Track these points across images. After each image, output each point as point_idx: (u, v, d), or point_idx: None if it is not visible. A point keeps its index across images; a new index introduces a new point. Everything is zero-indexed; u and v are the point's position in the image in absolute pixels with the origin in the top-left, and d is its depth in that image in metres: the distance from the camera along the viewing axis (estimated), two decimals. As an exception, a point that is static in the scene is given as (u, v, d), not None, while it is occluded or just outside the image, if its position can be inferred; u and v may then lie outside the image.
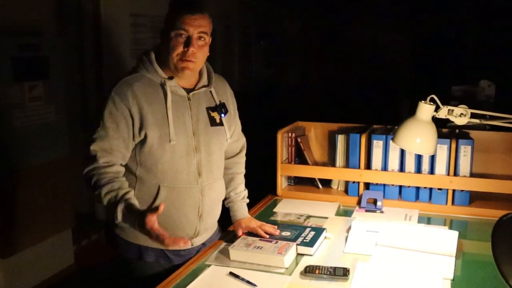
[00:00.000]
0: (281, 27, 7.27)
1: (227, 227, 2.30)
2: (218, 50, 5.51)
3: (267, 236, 2.10)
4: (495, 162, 2.64)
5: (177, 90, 1.96)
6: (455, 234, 2.05)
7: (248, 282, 1.78)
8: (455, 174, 2.49)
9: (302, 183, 2.89)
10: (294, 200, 2.71)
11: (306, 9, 7.36)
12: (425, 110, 2.05)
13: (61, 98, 3.46)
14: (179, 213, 2.00)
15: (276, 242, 2.02)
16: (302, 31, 7.62)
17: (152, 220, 1.74)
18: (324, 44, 7.58)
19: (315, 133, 2.96)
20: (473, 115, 2.06)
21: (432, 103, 2.05)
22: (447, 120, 2.12)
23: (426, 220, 2.43)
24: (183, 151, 1.96)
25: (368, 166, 2.64)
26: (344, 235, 2.21)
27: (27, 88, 3.20)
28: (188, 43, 1.88)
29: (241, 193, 2.26)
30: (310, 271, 1.82)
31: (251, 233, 2.14)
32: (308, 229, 2.16)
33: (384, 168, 2.60)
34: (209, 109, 2.05)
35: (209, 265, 1.93)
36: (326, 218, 2.44)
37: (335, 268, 1.82)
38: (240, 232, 2.16)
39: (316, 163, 2.91)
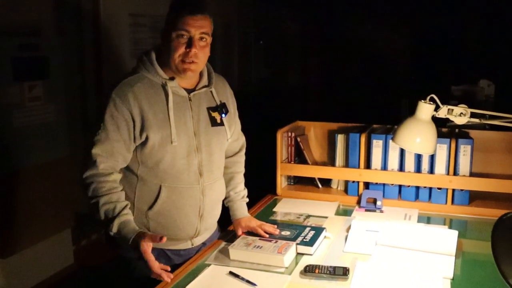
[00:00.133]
0: (280, 27, 7.27)
1: (226, 226, 2.30)
2: (217, 49, 5.52)
3: (267, 235, 2.10)
4: (495, 161, 2.64)
5: (178, 91, 1.96)
6: (454, 233, 2.05)
7: (248, 281, 1.78)
8: (455, 173, 2.49)
9: (301, 182, 2.89)
10: (294, 199, 2.72)
11: (306, 9, 7.36)
12: (425, 109, 2.06)
13: (60, 98, 3.46)
14: (180, 213, 2.00)
15: (276, 242, 2.02)
16: (301, 31, 7.62)
17: (147, 245, 1.77)
18: (324, 44, 7.57)
19: (314, 132, 2.96)
20: (472, 115, 2.06)
21: (431, 103, 2.05)
22: (447, 120, 2.12)
23: (426, 219, 2.43)
24: (184, 152, 1.96)
25: (368, 165, 2.64)
26: (344, 234, 2.21)
27: (26, 88, 3.19)
28: (190, 44, 1.88)
29: (240, 192, 2.27)
30: (310, 270, 1.83)
31: (251, 233, 2.14)
32: (307, 229, 2.16)
33: (384, 167, 2.60)
34: (210, 109, 2.05)
35: (209, 265, 1.93)
36: (326, 217, 2.44)
37: (335, 268, 1.82)
38: (239, 232, 2.16)
39: (315, 163, 2.91)
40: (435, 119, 2.09)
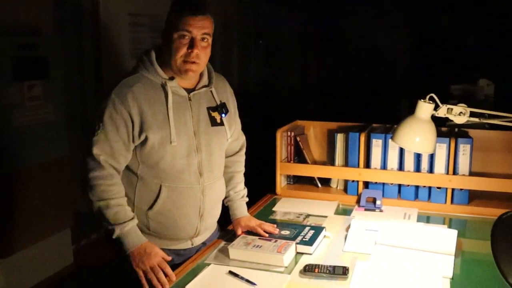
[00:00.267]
0: (280, 27, 7.27)
1: (226, 226, 2.30)
2: (217, 49, 5.51)
3: (267, 235, 2.10)
4: (494, 161, 2.64)
5: (178, 91, 1.96)
6: (454, 232, 2.05)
7: (248, 281, 1.78)
8: (454, 173, 2.50)
9: (301, 182, 2.89)
10: (293, 199, 2.72)
11: (305, 8, 7.36)
12: (424, 109, 2.06)
13: (60, 97, 3.45)
14: (180, 213, 2.00)
15: (275, 241, 2.02)
16: (301, 30, 7.62)
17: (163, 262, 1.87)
18: (323, 43, 7.58)
19: (314, 132, 2.96)
20: (472, 114, 2.06)
21: (431, 102, 2.06)
22: (446, 119, 2.12)
23: (425, 219, 2.43)
24: (184, 152, 1.96)
25: (367, 165, 2.64)
26: (344, 234, 2.21)
27: (26, 88, 3.19)
28: (192, 44, 1.87)
29: (240, 192, 2.27)
30: (309, 270, 1.83)
31: (251, 232, 2.14)
32: (307, 228, 2.16)
33: (383, 167, 2.60)
34: (210, 109, 2.05)
35: (208, 264, 1.93)
36: (326, 217, 2.44)
37: (334, 267, 1.82)
38: (239, 231, 2.16)
39: (315, 162, 2.91)
40: (434, 119, 2.09)
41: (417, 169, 2.56)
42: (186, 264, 1.96)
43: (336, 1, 7.30)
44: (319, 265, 1.85)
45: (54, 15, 3.50)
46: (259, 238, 2.07)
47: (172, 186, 1.96)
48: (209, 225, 2.15)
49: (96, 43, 3.86)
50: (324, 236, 2.16)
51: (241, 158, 2.32)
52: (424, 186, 2.57)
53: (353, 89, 6.89)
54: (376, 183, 2.63)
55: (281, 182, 2.79)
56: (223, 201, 2.22)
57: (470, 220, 2.43)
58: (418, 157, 2.55)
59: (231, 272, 1.85)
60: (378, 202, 2.55)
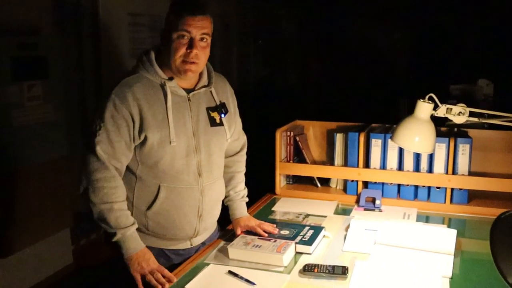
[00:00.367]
0: (279, 26, 7.27)
1: (226, 226, 2.30)
2: (216, 49, 5.51)
3: (266, 234, 2.10)
4: (494, 160, 2.64)
5: (177, 91, 1.96)
6: (453, 232, 2.05)
7: (247, 280, 1.78)
8: (454, 172, 2.50)
9: (300, 182, 2.89)
10: (293, 199, 2.72)
11: (305, 8, 7.35)
12: (424, 108, 2.06)
13: (59, 97, 3.45)
14: (179, 213, 2.00)
15: (275, 241, 2.02)
16: (300, 30, 7.62)
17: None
18: (323, 43, 7.57)
19: (313, 132, 2.96)
20: (471, 114, 2.06)
21: (430, 102, 2.06)
22: (446, 119, 2.12)
23: (425, 218, 2.43)
24: (183, 152, 1.96)
25: (367, 164, 2.64)
26: (343, 233, 2.21)
27: (25, 88, 3.19)
28: (191, 45, 1.87)
29: (240, 192, 2.26)
30: (309, 269, 1.83)
31: (250, 232, 2.14)
32: (306, 228, 2.16)
33: (383, 166, 2.61)
34: (209, 109, 2.05)
35: (208, 264, 1.94)
36: (325, 216, 2.44)
37: (333, 267, 1.82)
38: (239, 231, 2.16)
39: (314, 162, 2.91)
40: (434, 118, 2.10)
41: (417, 169, 2.57)
42: (186, 264, 1.96)
43: (335, 1, 7.30)
44: (318, 264, 1.85)
45: (54, 15, 3.50)
46: (259, 238, 2.07)
47: (171, 186, 1.96)
48: (209, 225, 2.15)
49: (95, 43, 3.86)
50: (324, 236, 2.16)
51: (242, 158, 2.31)
52: (424, 186, 2.57)
53: (353, 89, 6.89)
54: (375, 183, 2.63)
55: (280, 182, 2.79)
56: (222, 201, 2.22)
57: (469, 220, 2.43)
58: (417, 157, 2.55)
59: (230, 272, 1.85)
60: (377, 202, 2.55)
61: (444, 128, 2.70)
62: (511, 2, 6.35)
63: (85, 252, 3.87)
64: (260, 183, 2.80)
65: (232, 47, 6.11)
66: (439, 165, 2.51)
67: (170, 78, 1.94)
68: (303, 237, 2.07)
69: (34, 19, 3.35)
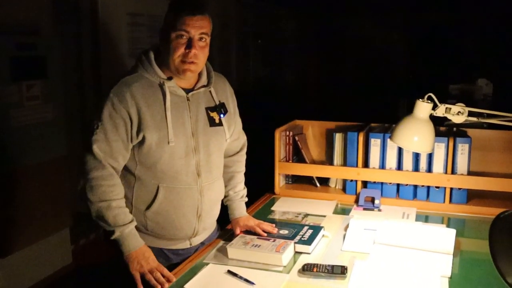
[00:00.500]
0: (279, 26, 7.27)
1: (225, 225, 2.30)
2: (215, 48, 5.51)
3: (265, 234, 2.10)
4: (493, 160, 2.64)
5: (176, 91, 1.95)
6: (452, 232, 2.05)
7: (246, 280, 1.78)
8: (453, 172, 2.50)
9: (300, 181, 2.90)
10: (292, 198, 2.72)
11: (304, 7, 7.36)
12: (423, 108, 2.06)
13: (59, 97, 3.45)
14: (178, 214, 2.00)
15: (274, 241, 2.02)
16: (299, 30, 7.62)
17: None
18: (322, 43, 7.58)
19: (312, 131, 2.96)
20: (470, 114, 2.06)
21: (429, 101, 2.06)
22: (445, 119, 2.12)
23: (424, 218, 2.44)
24: (182, 152, 1.95)
25: (366, 164, 2.64)
26: (342, 233, 2.21)
27: (24, 88, 3.19)
28: (189, 44, 1.87)
29: (240, 192, 2.26)
30: (308, 269, 1.83)
31: (249, 232, 2.14)
32: (306, 228, 2.17)
33: (382, 166, 2.61)
34: (209, 109, 2.05)
35: (207, 263, 1.94)
36: (324, 216, 2.44)
37: (333, 266, 1.83)
38: (238, 231, 2.16)
39: (314, 162, 2.91)
40: (433, 118, 2.10)
41: (416, 168, 2.57)
42: (185, 263, 1.96)
43: (335, 0, 7.30)
44: (317, 264, 1.85)
45: (53, 15, 3.50)
46: (258, 238, 2.07)
47: (170, 186, 1.96)
48: (208, 225, 2.15)
49: (95, 43, 3.86)
50: (323, 235, 2.16)
51: (242, 158, 2.31)
52: (423, 186, 2.58)
53: (352, 88, 6.89)
54: (374, 182, 2.64)
55: (279, 181, 2.79)
56: (222, 200, 2.22)
57: (468, 220, 2.43)
58: (416, 156, 2.56)
59: (229, 272, 1.85)
60: (376, 202, 2.55)
61: (443, 128, 2.71)
62: (510, 2, 6.35)
63: (84, 252, 3.87)
64: (259, 183, 2.80)
65: (232, 46, 6.10)
66: (438, 164, 2.51)
67: (169, 78, 1.94)
68: (302, 237, 2.07)
69: (34, 19, 3.34)
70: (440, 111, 2.07)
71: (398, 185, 2.62)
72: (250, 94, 6.18)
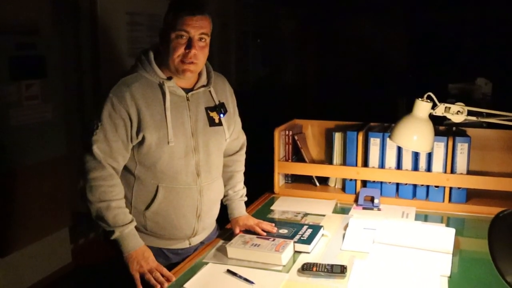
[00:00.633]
0: (278, 25, 7.27)
1: (224, 225, 2.30)
2: (215, 48, 5.51)
3: (265, 233, 2.10)
4: (492, 159, 2.64)
5: (176, 91, 1.95)
6: (452, 231, 2.05)
7: (246, 279, 1.78)
8: (452, 171, 2.50)
9: (299, 181, 2.89)
10: (292, 198, 2.72)
11: (303, 7, 7.36)
12: (422, 107, 2.06)
13: (58, 97, 3.45)
14: (177, 213, 1.99)
15: (273, 240, 2.02)
16: (299, 29, 7.62)
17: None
18: (321, 42, 7.58)
19: (312, 131, 2.96)
20: (470, 113, 2.07)
21: (429, 101, 2.06)
22: (444, 118, 2.12)
23: (423, 217, 2.44)
24: (181, 152, 1.95)
25: (365, 163, 2.64)
26: (342, 232, 2.21)
27: (24, 87, 3.19)
28: (189, 45, 1.86)
29: (239, 192, 2.26)
30: (307, 268, 1.83)
31: (249, 231, 2.14)
32: (305, 227, 2.17)
33: (381, 165, 2.61)
34: (208, 109, 2.04)
35: (206, 263, 1.94)
36: (324, 215, 2.44)
37: (332, 266, 1.83)
38: (237, 230, 2.16)
39: (313, 161, 2.91)
40: (432, 117, 2.10)
41: (415, 167, 2.57)
42: (184, 263, 1.96)
43: (333, 0, 7.30)
44: (317, 263, 1.85)
45: (52, 15, 3.50)
46: (257, 237, 2.07)
47: (169, 186, 1.96)
48: (207, 225, 2.14)
49: (94, 42, 3.86)
50: (322, 234, 2.16)
51: (241, 157, 2.31)
52: (422, 185, 2.58)
53: (351, 87, 6.89)
54: (374, 182, 2.64)
55: (279, 181, 2.79)
56: (221, 200, 2.22)
57: (467, 219, 2.44)
58: (416, 156, 2.56)
59: (229, 271, 1.85)
60: (376, 201, 2.55)
61: (442, 127, 2.71)
62: (509, 1, 6.35)
63: (84, 251, 3.87)
64: (259, 182, 2.80)
65: (231, 46, 6.11)
66: (438, 164, 2.51)
67: (169, 78, 1.93)
68: (301, 236, 2.07)
69: (33, 19, 3.35)
70: (440, 111, 2.07)
71: (397, 184, 2.62)
72: (250, 93, 6.18)
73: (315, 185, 2.82)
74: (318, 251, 2.04)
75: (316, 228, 2.15)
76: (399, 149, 2.56)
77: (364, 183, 2.67)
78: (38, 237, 3.42)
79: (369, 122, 2.84)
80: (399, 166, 2.59)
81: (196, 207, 2.02)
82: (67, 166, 3.48)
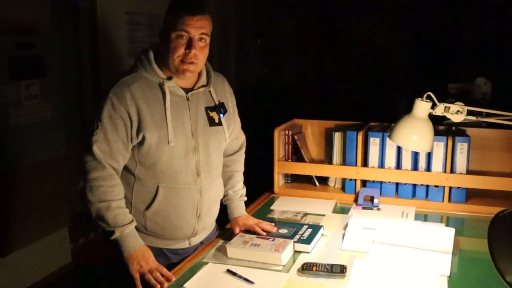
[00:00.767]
0: (278, 25, 7.27)
1: (224, 225, 2.30)
2: (215, 48, 5.51)
3: (264, 233, 2.10)
4: (492, 159, 2.65)
5: (176, 90, 1.95)
6: (451, 231, 2.05)
7: (246, 279, 1.78)
8: (452, 171, 2.50)
9: (299, 180, 2.90)
10: (291, 197, 2.72)
11: (303, 7, 7.36)
12: (422, 107, 2.06)
13: (57, 96, 3.45)
14: (177, 213, 1.99)
15: (273, 240, 2.02)
16: (298, 29, 7.62)
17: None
18: (321, 42, 7.58)
19: (312, 130, 2.96)
20: (469, 113, 2.07)
21: (428, 101, 2.06)
22: (444, 118, 2.12)
23: (423, 217, 2.44)
24: (181, 152, 1.95)
25: (365, 163, 2.64)
26: (341, 232, 2.21)
27: (23, 87, 3.19)
28: (189, 45, 1.86)
29: (239, 191, 2.26)
30: (307, 268, 1.83)
31: (248, 231, 2.14)
32: (305, 227, 2.17)
33: (381, 165, 2.61)
34: (208, 109, 2.04)
35: (206, 263, 1.94)
36: (323, 215, 2.45)
37: (332, 265, 1.83)
38: (237, 230, 2.16)
39: (313, 161, 2.91)
40: (432, 117, 2.10)
41: (415, 167, 2.57)
42: (184, 263, 1.96)
43: (333, 0, 7.30)
44: (317, 263, 1.85)
45: (52, 14, 3.50)
46: (257, 237, 2.07)
47: (169, 186, 1.96)
48: (207, 225, 2.15)
49: (93, 42, 3.86)
50: (322, 234, 2.16)
51: (241, 157, 2.31)
52: (422, 185, 2.58)
53: (351, 87, 6.89)
54: (373, 181, 2.64)
55: (279, 180, 2.80)
56: (221, 200, 2.22)
57: (467, 218, 2.44)
58: (415, 155, 2.56)
59: (229, 271, 1.85)
60: (375, 201, 2.55)
61: (442, 127, 2.71)
62: (509, 1, 6.35)
63: (83, 251, 3.87)
64: (259, 182, 2.80)
65: (231, 46, 6.10)
66: (437, 163, 2.51)
67: (169, 78, 1.93)
68: (301, 236, 2.07)
69: (32, 18, 3.34)
70: (439, 110, 2.07)
71: (397, 184, 2.62)
72: (250, 93, 6.18)
73: (315, 185, 2.82)
74: (318, 251, 2.04)
75: (316, 228, 2.15)
76: (399, 149, 2.56)
77: (364, 183, 2.67)
78: (38, 237, 3.42)
79: (368, 122, 2.84)
80: (398, 166, 2.59)
81: (196, 207, 2.02)
82: (67, 166, 3.48)
